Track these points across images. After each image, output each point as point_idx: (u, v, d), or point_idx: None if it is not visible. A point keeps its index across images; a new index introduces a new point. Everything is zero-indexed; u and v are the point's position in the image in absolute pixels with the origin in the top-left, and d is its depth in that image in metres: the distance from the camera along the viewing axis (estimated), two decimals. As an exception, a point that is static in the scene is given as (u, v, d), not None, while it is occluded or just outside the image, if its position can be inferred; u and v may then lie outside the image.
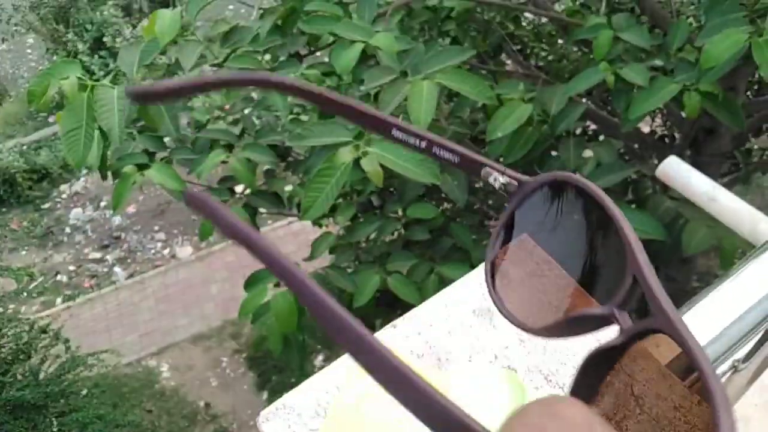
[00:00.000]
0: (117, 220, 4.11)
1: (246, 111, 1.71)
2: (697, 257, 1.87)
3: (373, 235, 1.59)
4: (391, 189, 1.61)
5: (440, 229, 1.51)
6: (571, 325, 0.22)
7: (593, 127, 1.88)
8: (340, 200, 1.62)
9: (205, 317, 3.40)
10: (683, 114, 1.32)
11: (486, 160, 0.25)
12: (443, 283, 1.38)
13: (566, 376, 0.33)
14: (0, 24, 5.69)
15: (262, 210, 1.52)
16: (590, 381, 0.21)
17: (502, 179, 0.25)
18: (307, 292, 0.16)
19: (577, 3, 1.86)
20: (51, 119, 4.85)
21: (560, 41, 1.92)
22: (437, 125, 1.53)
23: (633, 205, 1.46)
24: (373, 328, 1.58)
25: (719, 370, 0.37)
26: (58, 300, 3.64)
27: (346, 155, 1.07)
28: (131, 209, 4.17)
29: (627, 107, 1.26)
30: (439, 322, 0.36)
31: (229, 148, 1.45)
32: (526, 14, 1.99)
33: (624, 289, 0.20)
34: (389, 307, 1.62)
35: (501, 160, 1.44)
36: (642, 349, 0.21)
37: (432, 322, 0.36)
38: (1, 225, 4.23)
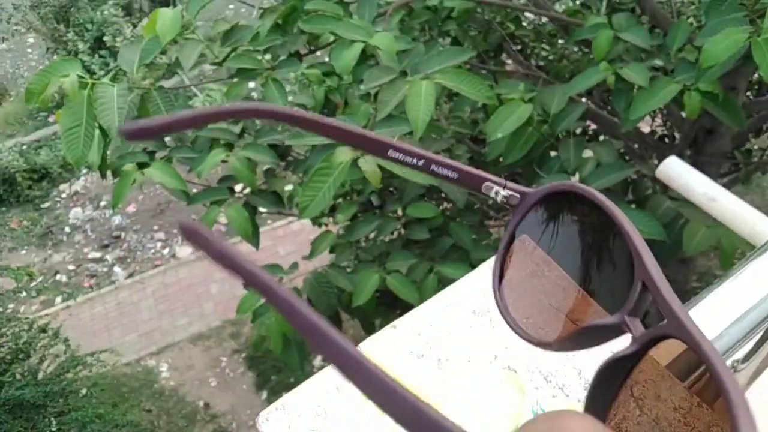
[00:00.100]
0: (117, 219, 4.11)
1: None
2: (696, 257, 1.87)
3: (372, 235, 1.59)
4: (391, 188, 1.61)
5: (440, 229, 1.51)
6: (583, 337, 0.22)
7: (593, 127, 1.88)
8: (340, 200, 1.62)
9: (205, 317, 3.40)
10: (683, 114, 1.32)
11: (486, 175, 0.25)
12: (442, 282, 1.38)
13: (566, 377, 0.33)
14: (0, 23, 5.68)
15: (261, 209, 1.52)
16: (605, 393, 0.20)
17: (503, 192, 0.25)
18: (304, 319, 0.16)
19: (578, 3, 1.86)
20: (51, 119, 4.85)
21: (561, 41, 1.92)
22: (437, 125, 1.53)
23: (633, 205, 1.46)
24: (373, 328, 1.59)
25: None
26: (58, 299, 3.64)
27: (343, 155, 1.07)
28: (131, 209, 4.17)
29: (627, 107, 1.26)
30: (439, 322, 0.36)
31: (230, 147, 1.45)
32: (527, 14, 1.99)
33: (634, 297, 0.20)
34: (389, 306, 1.62)
35: (501, 160, 1.44)
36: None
37: (432, 322, 0.36)
38: (1, 224, 4.22)
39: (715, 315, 0.39)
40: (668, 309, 0.18)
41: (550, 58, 1.91)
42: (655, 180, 1.46)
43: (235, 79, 1.47)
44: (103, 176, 1.43)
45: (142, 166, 1.39)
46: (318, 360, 2.97)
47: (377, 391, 0.15)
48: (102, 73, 4.42)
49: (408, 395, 0.14)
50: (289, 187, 1.79)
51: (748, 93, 1.93)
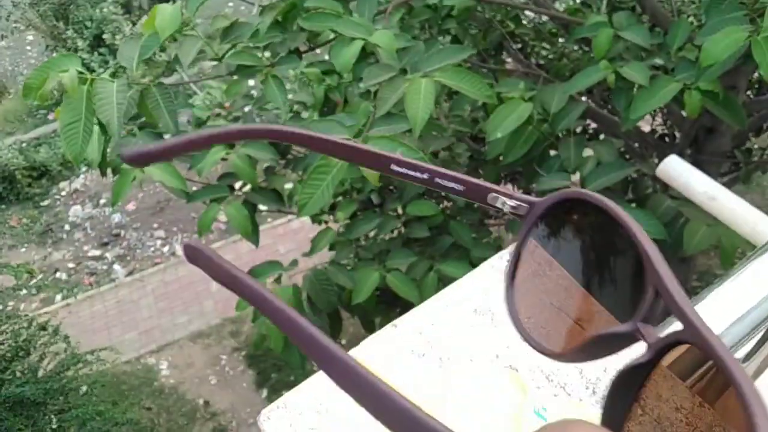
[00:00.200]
0: (116, 217, 4.11)
1: (246, 108, 1.71)
2: (697, 256, 1.87)
3: (372, 233, 1.59)
4: (391, 187, 1.61)
5: (440, 227, 1.51)
6: (595, 346, 0.21)
7: (594, 125, 1.88)
8: (340, 198, 1.62)
9: (205, 315, 3.40)
10: (684, 113, 1.32)
11: (493, 186, 0.25)
12: (442, 280, 1.38)
13: (567, 376, 0.33)
14: (-1, 21, 5.68)
15: (261, 207, 1.52)
16: (621, 402, 0.20)
17: (510, 203, 0.24)
18: (302, 331, 0.16)
19: (578, 1, 1.86)
20: (50, 116, 4.85)
21: (561, 40, 1.91)
22: (437, 123, 1.53)
23: (633, 204, 1.46)
24: (373, 326, 1.59)
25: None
26: (58, 297, 3.64)
27: (342, 152, 1.06)
28: (131, 207, 4.17)
29: (627, 106, 1.26)
30: (440, 321, 0.36)
31: (230, 144, 1.44)
32: (527, 12, 1.99)
33: (646, 303, 0.19)
34: (389, 305, 1.62)
35: (500, 158, 1.44)
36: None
37: (433, 321, 0.36)
38: (1, 222, 4.22)
39: (716, 315, 0.39)
40: (683, 315, 0.18)
41: (551, 56, 1.91)
42: (656, 179, 1.46)
43: (235, 77, 1.47)
44: (103, 174, 1.43)
45: (141, 163, 1.38)
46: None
47: (369, 397, 0.15)
48: (101, 70, 4.41)
49: (401, 400, 0.14)
50: (289, 185, 1.79)
51: (749, 92, 1.93)
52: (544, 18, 1.96)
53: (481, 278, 0.38)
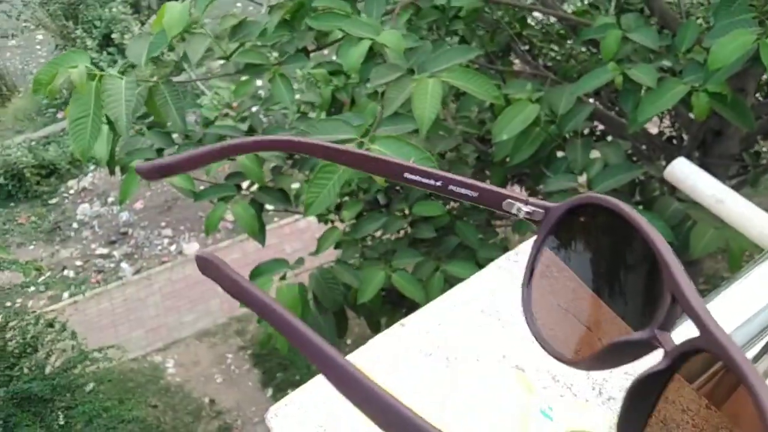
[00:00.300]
0: (124, 216, 4.13)
1: (254, 108, 1.72)
2: (704, 259, 1.86)
3: (379, 233, 1.59)
4: (398, 187, 1.61)
5: (446, 228, 1.51)
6: (612, 354, 0.21)
7: (601, 127, 1.88)
8: (347, 198, 1.63)
9: (211, 314, 3.41)
10: (692, 115, 1.31)
11: (507, 192, 0.25)
12: (448, 281, 1.38)
13: (574, 376, 0.33)
14: (10, 20, 5.72)
15: (268, 207, 1.53)
16: (639, 412, 0.20)
17: (526, 209, 0.24)
18: (305, 339, 0.16)
19: (586, 3, 1.85)
20: (59, 115, 4.88)
21: (569, 42, 1.91)
22: (444, 124, 1.53)
23: (640, 207, 1.46)
24: (378, 327, 1.59)
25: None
26: (65, 295, 3.66)
27: (349, 152, 1.06)
28: (138, 205, 4.19)
29: (635, 108, 1.26)
30: (447, 321, 0.36)
31: (237, 145, 1.45)
32: (535, 14, 1.98)
33: (663, 310, 0.19)
34: (394, 305, 1.62)
35: (508, 160, 1.44)
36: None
37: (440, 321, 0.36)
38: (9, 220, 4.25)
39: (723, 318, 0.39)
40: (700, 322, 0.18)
41: (558, 58, 1.90)
42: (663, 181, 1.46)
43: (243, 78, 1.47)
44: (112, 172, 1.43)
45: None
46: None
47: (365, 401, 0.15)
48: (110, 69, 4.43)
49: (398, 405, 0.14)
50: (296, 185, 1.80)
51: (757, 94, 1.92)
52: (552, 19, 1.96)
53: (488, 278, 0.38)
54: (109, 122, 1.20)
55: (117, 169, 1.44)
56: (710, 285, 2.62)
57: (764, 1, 1.14)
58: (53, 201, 4.37)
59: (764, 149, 2.01)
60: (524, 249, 0.40)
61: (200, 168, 0.25)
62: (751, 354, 0.36)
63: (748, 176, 1.79)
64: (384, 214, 1.52)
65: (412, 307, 1.47)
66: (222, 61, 1.44)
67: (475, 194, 0.25)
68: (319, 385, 0.33)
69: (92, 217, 4.20)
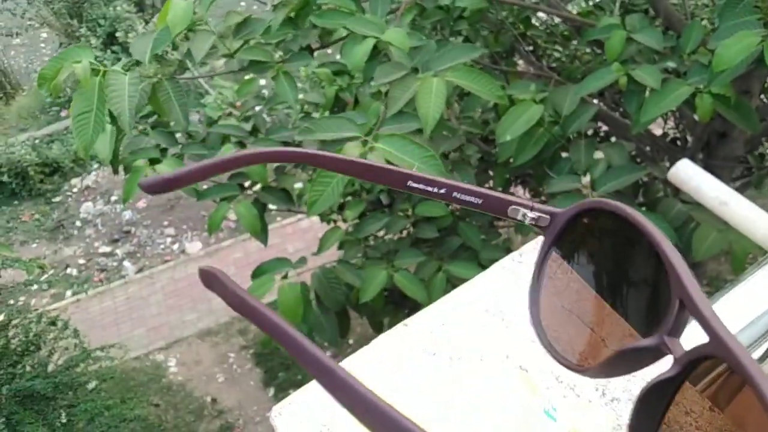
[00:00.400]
0: (127, 214, 4.14)
1: (257, 108, 1.72)
2: (707, 262, 1.86)
3: (381, 233, 1.59)
4: (400, 187, 1.61)
5: (449, 228, 1.51)
6: (621, 362, 0.21)
7: (605, 128, 1.87)
8: (350, 198, 1.63)
9: (213, 313, 3.42)
10: (696, 117, 1.31)
11: (512, 198, 0.24)
12: (451, 281, 1.38)
13: (577, 377, 0.33)
14: (14, 18, 5.73)
15: (271, 206, 1.53)
16: (648, 420, 0.19)
17: (531, 214, 0.24)
18: (305, 352, 0.16)
19: (591, 4, 1.85)
20: (63, 113, 4.89)
21: (573, 42, 1.91)
22: (447, 125, 1.53)
23: (644, 208, 1.45)
24: (381, 327, 1.58)
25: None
26: (68, 293, 3.67)
27: (353, 150, 1.07)
28: (141, 204, 4.20)
29: (638, 109, 1.26)
30: (451, 321, 0.36)
31: (241, 144, 1.45)
32: (539, 14, 1.98)
33: (672, 315, 0.19)
34: (397, 305, 1.62)
35: (511, 160, 1.44)
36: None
37: (444, 320, 0.36)
38: (13, 218, 4.26)
39: (726, 319, 0.39)
40: (709, 328, 0.17)
41: (562, 59, 1.90)
42: (667, 183, 1.46)
43: (247, 77, 1.48)
44: (116, 171, 1.44)
45: (153, 162, 1.40)
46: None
47: (357, 405, 0.15)
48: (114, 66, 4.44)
49: (388, 409, 0.14)
50: (298, 185, 1.80)
51: (762, 96, 1.91)
52: (557, 20, 1.96)
53: (492, 279, 0.38)
54: (112, 118, 1.20)
55: (120, 168, 1.45)
56: (713, 287, 2.62)
57: (769, 3, 1.13)
58: (57, 199, 4.38)
59: (768, 151, 2.00)
60: (528, 250, 0.40)
61: (203, 180, 0.25)
62: (755, 356, 0.36)
63: (753, 178, 1.79)
64: (387, 214, 1.53)
65: (414, 307, 1.47)
66: (225, 61, 1.44)
67: (479, 201, 0.24)
68: (318, 386, 0.33)
69: (95, 216, 4.21)
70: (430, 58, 1.19)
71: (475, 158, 1.68)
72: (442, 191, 0.25)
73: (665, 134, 2.02)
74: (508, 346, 0.34)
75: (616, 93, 1.85)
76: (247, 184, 1.52)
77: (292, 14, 1.33)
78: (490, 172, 1.76)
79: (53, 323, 2.35)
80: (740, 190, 1.67)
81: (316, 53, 1.45)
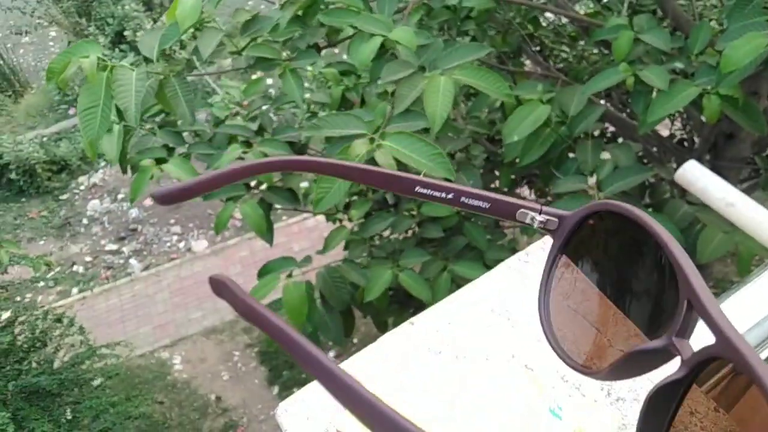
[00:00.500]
0: (134, 212, 4.15)
1: (264, 107, 1.72)
2: (713, 263, 1.85)
3: (386, 232, 1.59)
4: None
5: (454, 228, 1.51)
6: (630, 364, 0.20)
7: (612, 129, 1.87)
8: (355, 197, 1.63)
9: (219, 311, 3.43)
10: (703, 118, 1.30)
11: (520, 202, 0.24)
12: (456, 281, 1.38)
13: (582, 376, 0.33)
14: (23, 17, 5.76)
15: (277, 206, 1.53)
16: (656, 424, 0.19)
17: (540, 218, 0.24)
18: (310, 357, 0.16)
19: (599, 4, 1.85)
20: (71, 111, 4.91)
21: (581, 43, 1.91)
22: (454, 125, 1.53)
23: (650, 209, 1.45)
24: (385, 327, 1.59)
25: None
26: (74, 290, 3.69)
27: (360, 147, 1.06)
28: (148, 202, 4.21)
29: (645, 109, 1.25)
30: (457, 320, 0.36)
31: (247, 143, 1.46)
32: (547, 15, 1.98)
33: (680, 317, 0.18)
34: (401, 305, 1.62)
35: (517, 161, 1.44)
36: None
37: (450, 320, 0.36)
38: (20, 215, 4.29)
39: (732, 321, 0.39)
40: (717, 329, 0.17)
41: (570, 59, 1.90)
42: (673, 184, 1.45)
43: (254, 76, 1.48)
44: (124, 171, 1.44)
45: (160, 161, 1.40)
46: (330, 356, 2.98)
47: (358, 406, 0.15)
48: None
49: (388, 410, 0.14)
50: (304, 184, 1.80)
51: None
52: (564, 20, 1.95)
53: (498, 278, 0.38)
54: (119, 115, 1.20)
55: (128, 167, 1.45)
56: (719, 289, 2.60)
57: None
58: (64, 197, 4.40)
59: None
60: (534, 250, 0.40)
61: (214, 191, 0.25)
62: (761, 357, 0.36)
63: (760, 180, 1.78)
64: (392, 214, 1.53)
65: (419, 307, 1.47)
66: (233, 59, 1.44)
67: (487, 205, 0.24)
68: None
69: (102, 213, 4.23)
70: (437, 56, 1.19)
71: (481, 158, 1.68)
72: (450, 196, 0.25)
73: (672, 135, 2.02)
74: (513, 345, 0.34)
75: (624, 94, 1.84)
76: (253, 183, 1.52)
77: (300, 12, 1.34)
78: (496, 173, 1.75)
79: (59, 320, 2.36)
80: (747, 191, 1.66)
81: (323, 54, 1.45)
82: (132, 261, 3.85)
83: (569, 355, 0.24)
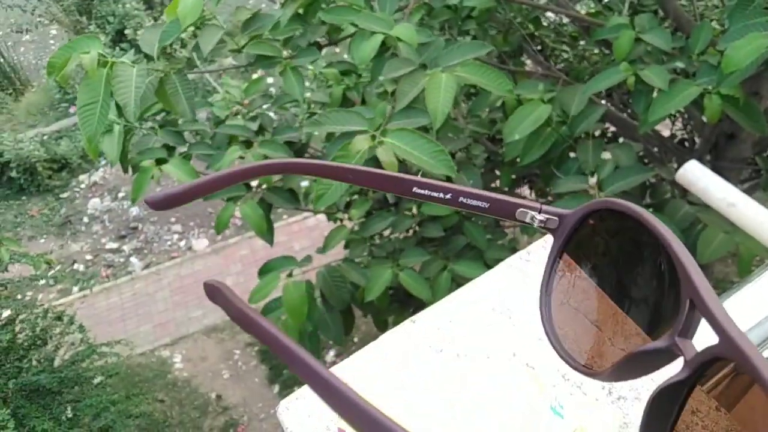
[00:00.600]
0: (134, 211, 4.15)
1: (264, 106, 1.72)
2: (714, 264, 1.85)
3: (387, 231, 1.59)
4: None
5: (454, 228, 1.51)
6: (633, 364, 0.20)
7: (613, 129, 1.87)
8: (356, 196, 1.63)
9: (219, 309, 3.37)
10: (704, 118, 1.30)
11: (520, 201, 0.24)
12: (456, 281, 1.38)
13: (582, 375, 0.33)
14: (24, 15, 5.76)
15: (277, 206, 1.53)
16: (659, 425, 0.19)
17: (540, 217, 0.24)
18: (303, 363, 0.16)
19: (600, 4, 1.85)
20: (72, 110, 4.91)
21: (581, 42, 1.91)
22: (455, 124, 1.53)
23: (651, 209, 1.45)
24: (386, 326, 1.59)
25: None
26: (75, 289, 3.69)
27: (361, 143, 1.06)
28: (148, 201, 4.21)
29: (646, 109, 1.25)
30: (458, 318, 0.36)
31: (248, 143, 1.46)
32: (548, 14, 1.98)
33: (682, 316, 0.18)
34: (402, 304, 1.62)
35: (518, 160, 1.44)
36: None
37: (452, 318, 0.36)
38: (21, 213, 4.29)
39: (734, 319, 0.39)
40: (720, 329, 0.17)
41: (571, 59, 1.90)
42: (674, 184, 1.45)
43: (255, 75, 1.48)
44: (125, 171, 1.44)
45: (160, 161, 1.40)
46: (330, 355, 2.98)
47: (349, 411, 0.15)
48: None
49: (380, 416, 0.14)
50: (304, 183, 1.80)
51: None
52: (565, 20, 1.95)
53: (499, 277, 0.38)
54: (119, 111, 1.20)
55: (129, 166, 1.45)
56: (720, 289, 2.60)
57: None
58: (64, 195, 4.40)
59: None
60: (535, 249, 0.40)
61: (209, 195, 0.25)
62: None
63: (761, 180, 1.78)
64: (392, 213, 1.53)
65: (419, 306, 1.47)
66: (233, 57, 1.44)
67: (486, 205, 0.24)
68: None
69: (103, 212, 4.23)
70: (438, 54, 1.19)
71: (482, 158, 1.68)
72: (448, 197, 0.24)
73: (673, 135, 2.01)
74: (514, 344, 0.34)
75: (624, 94, 1.84)
76: (254, 183, 1.52)
77: (301, 10, 1.33)
78: (497, 172, 1.75)
79: (59, 318, 2.36)
80: (748, 192, 1.66)
81: (323, 53, 1.45)
82: (132, 259, 3.86)
83: (570, 355, 0.24)
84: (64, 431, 2.05)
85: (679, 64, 1.32)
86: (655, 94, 1.27)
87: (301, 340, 1.41)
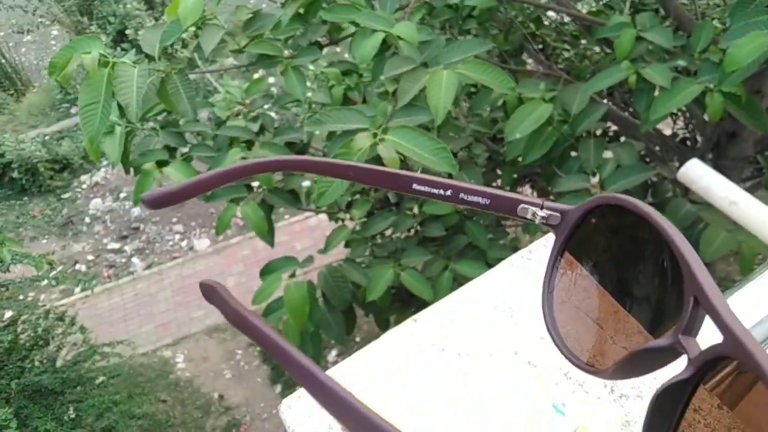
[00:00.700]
0: (136, 211, 4.16)
1: (265, 107, 1.72)
2: (716, 262, 1.85)
3: (388, 231, 1.59)
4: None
5: (456, 227, 1.51)
6: (636, 363, 0.20)
7: (614, 128, 1.87)
8: (357, 196, 1.63)
9: (221, 310, 3.42)
10: (705, 116, 1.30)
11: (521, 197, 0.24)
12: (457, 280, 1.38)
13: (585, 373, 0.33)
14: (25, 15, 5.77)
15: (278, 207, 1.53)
16: (663, 425, 0.18)
17: (541, 213, 0.23)
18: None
19: (601, 3, 1.85)
20: (73, 110, 4.91)
21: (583, 41, 1.90)
22: (456, 123, 1.53)
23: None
24: (387, 325, 1.59)
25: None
26: (77, 289, 3.69)
27: (363, 141, 1.06)
28: (150, 201, 4.21)
29: (648, 107, 1.25)
30: (460, 317, 0.36)
31: (249, 145, 1.46)
32: (549, 13, 1.98)
33: (686, 314, 0.18)
34: (403, 303, 1.62)
35: (519, 159, 1.44)
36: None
37: (454, 317, 0.36)
38: (23, 213, 4.29)
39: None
40: (724, 326, 0.16)
41: (572, 58, 1.89)
42: (676, 183, 1.45)
43: (256, 75, 1.48)
44: (127, 172, 1.45)
45: (162, 163, 1.40)
46: (332, 355, 2.98)
47: (345, 414, 0.15)
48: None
49: (378, 420, 0.14)
50: (306, 183, 1.80)
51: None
52: (566, 19, 1.95)
53: (500, 276, 0.38)
54: (121, 111, 1.20)
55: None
56: (722, 287, 2.60)
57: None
58: (66, 195, 4.40)
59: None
60: (537, 247, 0.39)
61: (204, 193, 0.25)
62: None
63: (763, 178, 1.77)
64: (394, 213, 1.53)
65: (421, 305, 1.46)
66: (234, 57, 1.44)
67: (487, 201, 0.24)
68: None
69: (104, 212, 4.23)
70: (439, 52, 1.19)
71: (483, 157, 1.68)
72: (448, 193, 0.24)
73: (675, 134, 2.01)
74: (516, 342, 0.34)
75: (626, 92, 1.84)
76: (255, 184, 1.52)
77: (301, 10, 1.34)
78: (498, 171, 1.75)
79: (61, 319, 2.37)
80: (750, 190, 1.65)
81: (324, 52, 1.45)
82: (134, 260, 3.86)
83: (573, 353, 0.23)
84: (66, 431, 2.05)
85: (681, 63, 1.32)
86: (656, 93, 1.27)
87: (302, 340, 1.42)
